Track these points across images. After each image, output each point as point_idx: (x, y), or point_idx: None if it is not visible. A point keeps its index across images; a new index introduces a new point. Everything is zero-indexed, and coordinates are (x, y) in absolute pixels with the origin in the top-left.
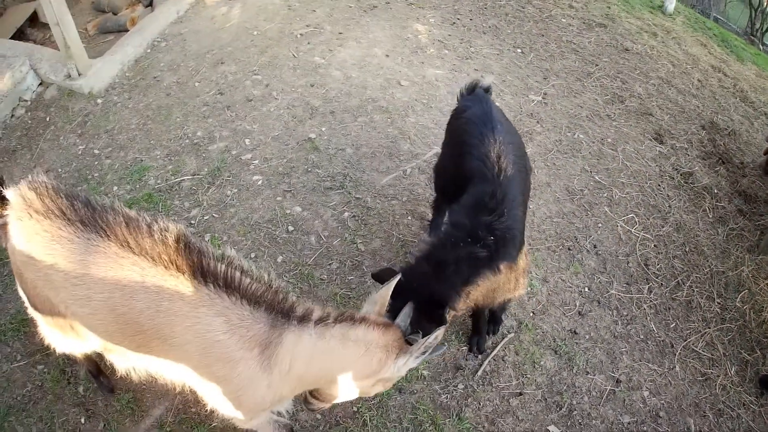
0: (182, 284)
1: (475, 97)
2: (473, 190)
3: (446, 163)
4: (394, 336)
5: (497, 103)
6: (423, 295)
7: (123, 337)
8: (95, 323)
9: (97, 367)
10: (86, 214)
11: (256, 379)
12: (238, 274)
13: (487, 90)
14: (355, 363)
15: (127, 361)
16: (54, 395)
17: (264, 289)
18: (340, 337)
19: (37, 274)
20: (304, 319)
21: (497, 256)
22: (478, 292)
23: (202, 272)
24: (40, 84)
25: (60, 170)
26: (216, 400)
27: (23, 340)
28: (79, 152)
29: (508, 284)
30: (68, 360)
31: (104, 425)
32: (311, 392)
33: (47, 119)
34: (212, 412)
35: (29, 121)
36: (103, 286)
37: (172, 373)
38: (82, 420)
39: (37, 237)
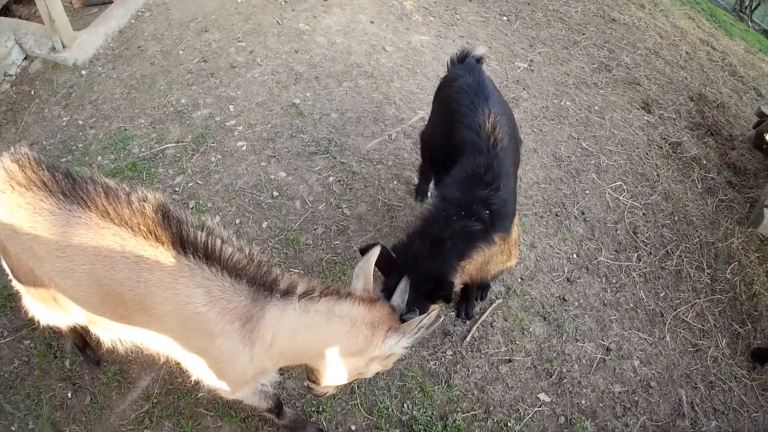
0: (162, 255)
1: (466, 67)
2: (466, 162)
3: (435, 132)
4: (382, 312)
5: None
6: (419, 272)
7: (106, 308)
8: (79, 295)
9: (83, 340)
10: (67, 185)
11: (236, 353)
12: (219, 243)
13: (479, 60)
14: (340, 339)
15: (111, 333)
16: (41, 370)
17: (246, 261)
18: (324, 312)
19: (21, 247)
20: (287, 292)
21: (492, 229)
22: (473, 265)
23: (181, 242)
24: (25, 58)
25: (45, 143)
26: (199, 371)
27: (9, 316)
28: (64, 124)
29: (501, 256)
30: (54, 334)
31: (91, 399)
32: (309, 376)
33: (32, 93)
34: (198, 382)
35: (14, 96)
36: (85, 258)
37: (156, 343)
38: (69, 395)
39: (19, 210)
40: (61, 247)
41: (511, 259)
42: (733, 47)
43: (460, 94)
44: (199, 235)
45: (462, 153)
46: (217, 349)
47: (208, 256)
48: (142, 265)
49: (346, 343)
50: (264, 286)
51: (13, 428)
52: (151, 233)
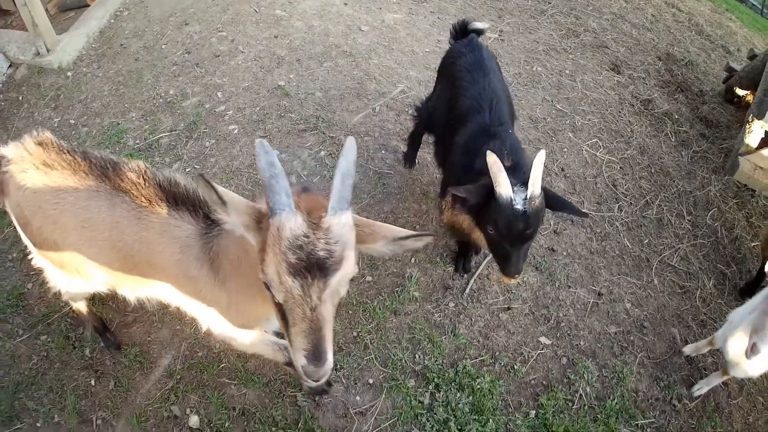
0: (150, 214)
1: (470, 44)
2: (472, 124)
3: (438, 105)
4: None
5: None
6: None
7: (125, 271)
8: (101, 261)
9: (102, 324)
10: (86, 164)
11: (216, 294)
12: (176, 183)
13: (479, 32)
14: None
15: (135, 292)
16: (61, 362)
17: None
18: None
19: (46, 221)
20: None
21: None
22: None
23: (159, 197)
24: (10, 66)
25: None
26: (206, 318)
27: (23, 315)
28: (55, 125)
29: None
30: (71, 324)
31: (115, 383)
32: None
33: (20, 98)
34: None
35: (2, 103)
36: (103, 227)
37: (172, 297)
38: (92, 382)
39: (45, 187)
40: (84, 219)
41: None
42: (699, 8)
43: (462, 71)
44: (169, 183)
45: (465, 120)
46: (201, 291)
47: (176, 200)
48: (141, 226)
49: None
50: (206, 219)
51: (38, 424)
52: (143, 196)
